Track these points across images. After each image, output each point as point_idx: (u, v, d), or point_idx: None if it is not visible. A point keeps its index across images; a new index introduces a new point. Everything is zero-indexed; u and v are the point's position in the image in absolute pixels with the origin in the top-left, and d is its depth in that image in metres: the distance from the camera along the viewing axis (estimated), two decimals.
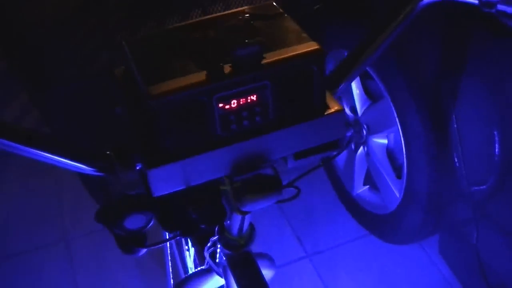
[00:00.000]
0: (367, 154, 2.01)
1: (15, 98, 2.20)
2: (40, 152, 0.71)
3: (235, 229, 0.90)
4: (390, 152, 1.97)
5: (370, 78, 1.88)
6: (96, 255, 2.11)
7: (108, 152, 0.74)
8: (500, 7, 0.75)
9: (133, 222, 0.77)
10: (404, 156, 1.77)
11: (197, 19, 0.78)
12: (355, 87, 1.98)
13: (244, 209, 0.78)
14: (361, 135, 2.00)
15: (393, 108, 1.76)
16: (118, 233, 0.80)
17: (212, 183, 0.79)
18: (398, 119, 1.75)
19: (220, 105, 0.70)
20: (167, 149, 0.71)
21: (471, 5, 0.77)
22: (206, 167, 0.73)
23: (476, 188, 1.52)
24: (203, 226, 0.91)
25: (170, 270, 1.42)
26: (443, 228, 1.83)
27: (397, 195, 1.89)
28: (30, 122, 2.26)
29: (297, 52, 0.71)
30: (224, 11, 0.81)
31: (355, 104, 1.99)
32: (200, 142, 0.72)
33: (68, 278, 2.07)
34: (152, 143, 0.70)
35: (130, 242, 0.82)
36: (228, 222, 0.90)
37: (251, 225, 0.95)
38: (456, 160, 1.60)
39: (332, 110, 0.76)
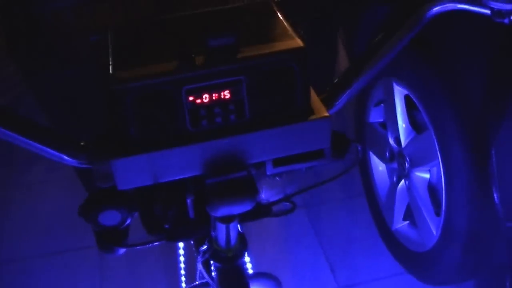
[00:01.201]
0: (409, 188, 1.94)
1: None
2: (18, 136, 0.70)
3: (222, 239, 0.86)
4: (432, 188, 1.89)
5: (416, 109, 1.82)
6: (126, 264, 2.11)
7: (83, 143, 0.72)
8: None
9: (108, 218, 0.75)
10: (444, 192, 1.70)
11: (189, 12, 0.76)
12: (401, 119, 1.92)
13: (214, 214, 0.75)
14: (403, 167, 1.93)
15: (436, 141, 1.69)
16: (95, 229, 0.78)
17: (196, 184, 0.76)
18: (440, 153, 1.68)
19: (190, 98, 0.66)
20: (134, 140, 0.68)
21: (483, 15, 0.73)
22: (174, 164, 0.70)
23: (511, 224, 1.43)
24: (187, 233, 0.88)
25: (183, 279, 1.40)
26: (480, 271, 1.73)
27: (434, 232, 1.80)
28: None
29: (277, 49, 0.67)
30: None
31: (399, 135, 1.93)
32: (169, 136, 0.68)
33: (95, 283, 2.08)
34: (121, 133, 0.68)
35: (108, 239, 0.80)
36: (213, 231, 0.86)
37: (241, 238, 0.90)
38: (496, 199, 1.51)
39: (317, 116, 0.71)
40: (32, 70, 1.60)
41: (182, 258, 1.37)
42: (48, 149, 0.71)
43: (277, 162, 0.75)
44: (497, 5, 0.70)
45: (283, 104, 0.70)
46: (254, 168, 0.75)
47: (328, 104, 0.78)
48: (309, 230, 2.28)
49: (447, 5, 0.75)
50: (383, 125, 2.09)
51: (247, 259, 1.28)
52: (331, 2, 1.91)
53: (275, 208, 0.89)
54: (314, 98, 0.75)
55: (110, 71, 0.67)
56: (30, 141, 0.70)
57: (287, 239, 2.23)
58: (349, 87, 0.79)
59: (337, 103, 0.79)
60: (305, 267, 2.14)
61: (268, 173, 0.76)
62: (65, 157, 0.73)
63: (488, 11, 0.72)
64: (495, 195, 1.50)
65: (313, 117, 0.71)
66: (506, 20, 0.71)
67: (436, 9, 0.76)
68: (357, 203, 2.33)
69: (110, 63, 0.68)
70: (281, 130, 0.70)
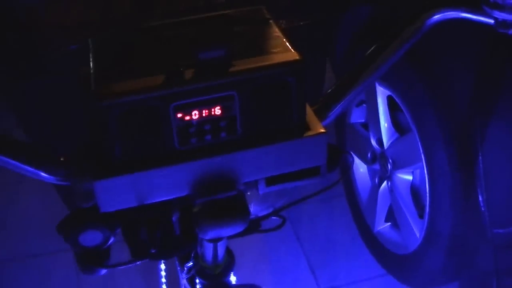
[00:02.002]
0: (391, 189, 1.92)
1: None
2: None
3: (208, 256, 0.82)
4: (415, 190, 1.87)
5: (399, 110, 1.80)
6: None
7: (62, 159, 0.68)
8: None
9: (89, 238, 0.70)
10: (428, 194, 1.68)
11: (175, 20, 0.71)
12: (383, 120, 1.90)
13: (203, 236, 0.71)
14: (386, 169, 1.91)
15: (419, 143, 1.68)
16: (75, 250, 0.73)
17: (183, 203, 0.72)
18: (424, 155, 1.67)
19: (179, 115, 0.62)
20: (118, 159, 0.63)
21: (485, 25, 0.70)
22: (161, 184, 0.65)
23: (497, 230, 1.42)
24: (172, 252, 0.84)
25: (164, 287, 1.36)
26: (464, 275, 1.73)
27: (417, 235, 1.79)
28: None
29: (272, 62, 0.63)
30: (227, 5, 0.75)
31: (381, 136, 1.91)
32: (155, 155, 0.64)
33: (72, 286, 2.03)
34: (104, 152, 0.63)
35: (89, 260, 0.75)
36: (200, 248, 0.82)
37: (229, 253, 0.86)
38: (481, 203, 1.50)
39: (313, 132, 0.67)
40: (8, 78, 1.54)
41: (163, 266, 1.33)
42: (23, 165, 0.67)
43: (270, 181, 0.71)
44: (502, 15, 0.67)
45: (277, 120, 0.66)
46: (245, 186, 0.71)
47: (321, 115, 0.74)
48: (290, 232, 2.26)
49: (449, 13, 0.72)
50: (365, 126, 2.07)
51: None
52: (323, 5, 1.87)
53: (264, 223, 0.86)
54: (308, 111, 0.71)
55: (92, 86, 0.62)
56: (3, 157, 0.65)
57: (267, 241, 2.21)
58: (344, 97, 0.76)
59: (330, 114, 0.76)
60: (286, 269, 2.12)
61: (260, 192, 0.72)
62: (42, 174, 0.68)
63: (491, 21, 0.69)
64: (480, 200, 1.49)
65: (308, 133, 0.67)
66: (510, 31, 0.68)
67: (437, 17, 0.73)
68: (337, 205, 2.32)
69: (92, 76, 0.63)
70: (275, 147, 0.66)
